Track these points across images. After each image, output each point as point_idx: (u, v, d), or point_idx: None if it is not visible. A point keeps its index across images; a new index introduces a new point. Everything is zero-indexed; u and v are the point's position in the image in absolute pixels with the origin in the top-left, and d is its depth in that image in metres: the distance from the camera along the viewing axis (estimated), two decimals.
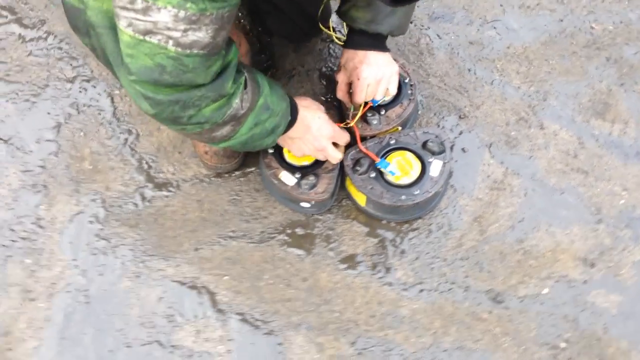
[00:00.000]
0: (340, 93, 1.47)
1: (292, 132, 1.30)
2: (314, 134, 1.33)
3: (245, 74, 1.15)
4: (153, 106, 1.06)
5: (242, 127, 1.17)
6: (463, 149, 1.55)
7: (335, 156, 1.38)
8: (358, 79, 1.39)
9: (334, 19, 1.63)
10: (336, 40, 1.63)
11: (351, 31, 1.40)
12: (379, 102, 1.46)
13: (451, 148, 1.53)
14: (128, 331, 1.38)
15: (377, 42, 1.39)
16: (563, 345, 1.37)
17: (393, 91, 1.46)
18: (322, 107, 1.38)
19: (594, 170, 1.53)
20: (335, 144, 1.39)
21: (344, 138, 1.41)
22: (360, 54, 1.39)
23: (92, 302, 1.40)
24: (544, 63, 1.66)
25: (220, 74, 1.08)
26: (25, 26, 1.67)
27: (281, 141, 1.34)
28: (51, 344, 1.37)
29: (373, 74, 1.39)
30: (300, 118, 1.30)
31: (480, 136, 1.57)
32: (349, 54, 1.41)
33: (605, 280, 1.42)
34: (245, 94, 1.14)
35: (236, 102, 1.12)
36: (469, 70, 1.65)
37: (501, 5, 1.74)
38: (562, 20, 1.71)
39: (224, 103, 1.11)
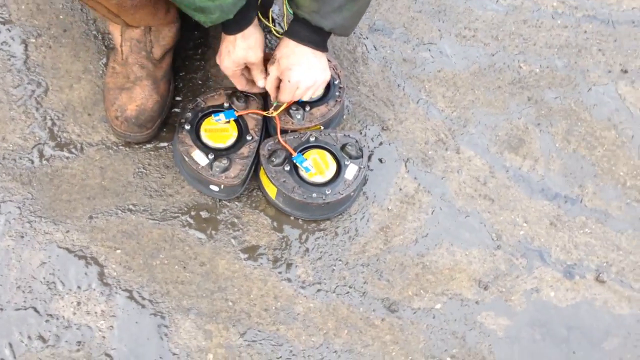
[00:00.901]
0: (269, 85, 1.49)
1: (225, 38, 1.36)
2: (223, 52, 1.39)
3: None
4: None
5: None
6: (380, 160, 1.63)
7: (232, 79, 1.43)
8: (288, 81, 1.41)
9: (274, 10, 1.68)
10: (274, 33, 1.67)
11: (294, 20, 1.41)
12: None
13: (369, 157, 1.61)
14: (2, 293, 1.33)
15: (317, 37, 1.39)
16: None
17: (317, 95, 1.51)
18: (258, 36, 1.39)
19: (500, 199, 1.65)
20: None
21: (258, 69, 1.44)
22: (298, 52, 1.40)
23: None
24: (470, 92, 1.78)
25: None
26: None
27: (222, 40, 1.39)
28: None
29: (304, 80, 1.41)
30: (239, 34, 1.34)
31: (399, 150, 1.65)
32: (286, 49, 1.42)
33: (496, 303, 1.53)
34: None
35: None
36: (399, 85, 1.74)
37: (439, 30, 1.85)
38: (493, 55, 1.84)
39: None
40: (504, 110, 1.77)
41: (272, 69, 1.47)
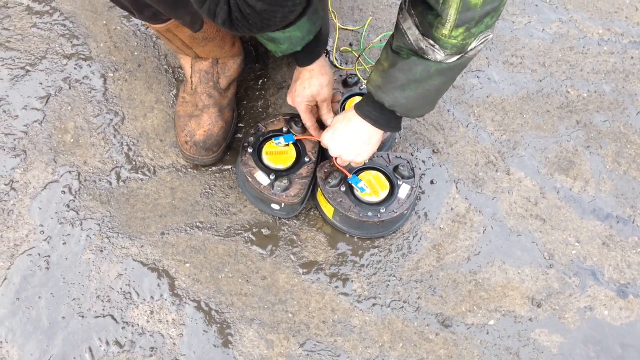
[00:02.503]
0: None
1: (296, 71, 1.55)
2: (298, 88, 1.56)
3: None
4: None
5: None
6: (432, 181, 1.76)
7: (302, 115, 1.58)
8: (329, 149, 1.52)
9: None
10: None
11: (366, 94, 1.45)
12: None
13: (421, 178, 1.74)
14: (83, 302, 1.51)
15: (378, 114, 1.42)
16: None
17: (354, 164, 1.57)
18: (327, 77, 1.55)
19: (551, 219, 1.74)
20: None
21: (308, 117, 1.59)
22: (351, 124, 1.45)
23: (52, 268, 1.53)
24: (519, 116, 1.90)
25: None
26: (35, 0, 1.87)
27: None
28: (6, 302, 1.49)
29: (343, 153, 1.49)
30: (307, 67, 1.52)
31: (450, 172, 1.78)
32: (344, 115, 1.49)
33: (550, 321, 1.61)
34: None
35: None
36: (449, 110, 1.87)
37: (487, 58, 1.99)
38: (541, 81, 1.97)
39: None
40: (553, 134, 1.88)
41: (330, 121, 1.59)
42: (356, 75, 1.76)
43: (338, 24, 1.89)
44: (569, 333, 1.61)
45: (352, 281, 1.61)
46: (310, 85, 1.56)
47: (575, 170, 1.83)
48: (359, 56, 1.86)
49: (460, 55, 1.26)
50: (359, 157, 1.50)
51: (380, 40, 1.90)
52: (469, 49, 1.24)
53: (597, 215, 1.75)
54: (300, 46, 1.48)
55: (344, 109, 1.69)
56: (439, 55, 1.25)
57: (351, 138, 1.47)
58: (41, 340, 1.49)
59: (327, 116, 1.61)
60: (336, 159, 1.58)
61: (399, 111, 1.40)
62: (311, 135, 1.65)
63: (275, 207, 1.62)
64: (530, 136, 1.86)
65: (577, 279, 1.67)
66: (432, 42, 1.23)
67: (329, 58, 1.87)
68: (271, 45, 1.48)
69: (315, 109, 1.62)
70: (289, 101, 1.61)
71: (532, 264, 1.68)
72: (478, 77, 1.95)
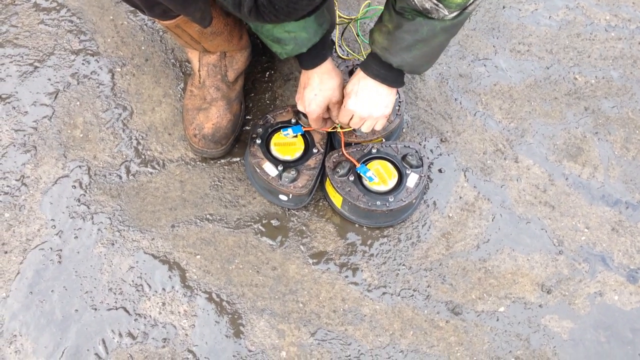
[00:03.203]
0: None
1: (302, 76, 1.54)
2: (308, 95, 1.54)
3: None
4: None
5: None
6: (440, 170, 1.76)
7: (313, 120, 1.58)
8: (344, 107, 1.55)
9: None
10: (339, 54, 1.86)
11: (369, 53, 1.51)
12: None
13: (429, 167, 1.75)
14: (96, 294, 1.53)
15: (386, 72, 1.48)
16: None
17: (378, 129, 1.60)
18: (336, 79, 1.55)
19: (560, 205, 1.75)
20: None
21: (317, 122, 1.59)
22: (363, 84, 1.50)
23: (64, 262, 1.56)
24: (526, 103, 1.90)
25: None
26: None
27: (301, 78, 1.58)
28: (19, 296, 1.52)
29: (358, 110, 1.51)
30: (312, 70, 1.51)
31: (457, 160, 1.79)
32: (356, 78, 1.52)
33: (560, 306, 1.62)
34: None
35: None
36: (456, 99, 1.88)
37: (494, 46, 1.99)
38: (548, 68, 1.97)
39: None
40: (561, 120, 1.88)
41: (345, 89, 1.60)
42: None
43: (337, 12, 1.90)
44: (579, 318, 1.62)
45: (362, 270, 1.62)
46: (321, 90, 1.55)
47: (583, 157, 1.83)
48: (350, 22, 1.86)
49: (460, 11, 1.33)
50: (386, 110, 1.53)
51: (367, 12, 1.91)
52: (468, 4, 1.32)
53: (606, 200, 1.76)
54: (305, 47, 1.47)
55: None
56: (442, 13, 1.31)
57: (373, 95, 1.50)
58: (55, 333, 1.51)
59: (336, 117, 1.62)
60: (345, 146, 1.60)
61: (406, 69, 1.47)
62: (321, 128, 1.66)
63: (283, 197, 1.64)
64: (538, 123, 1.87)
65: (586, 265, 1.68)
66: (436, 1, 1.29)
67: (334, 48, 1.88)
68: (276, 46, 1.48)
69: (326, 113, 1.62)
70: (300, 107, 1.60)
71: (542, 251, 1.69)
72: (485, 65, 1.95)
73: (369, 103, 1.51)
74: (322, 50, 1.51)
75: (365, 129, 1.56)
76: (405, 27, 1.37)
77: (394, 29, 1.39)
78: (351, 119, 1.56)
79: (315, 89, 1.54)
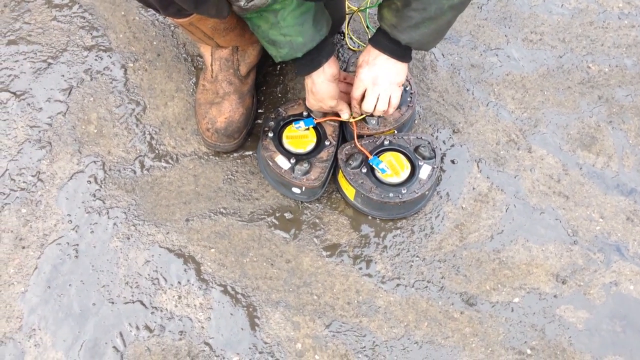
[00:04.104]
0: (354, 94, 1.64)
1: (307, 79, 1.55)
2: (314, 92, 1.56)
3: None
4: None
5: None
6: (453, 161, 1.77)
7: (342, 110, 1.61)
8: (359, 78, 1.56)
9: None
10: (349, 47, 1.86)
11: (378, 28, 1.53)
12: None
13: (442, 158, 1.75)
14: (113, 288, 1.55)
15: (395, 47, 1.50)
16: (529, 351, 1.55)
17: (394, 102, 1.60)
18: (329, 90, 1.56)
19: (574, 195, 1.74)
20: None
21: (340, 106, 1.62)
22: (374, 56, 1.54)
23: (81, 256, 1.58)
24: (539, 93, 1.89)
25: None
26: None
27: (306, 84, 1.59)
28: (37, 291, 1.54)
29: (372, 78, 1.54)
30: (309, 76, 1.52)
31: (470, 151, 1.79)
32: (367, 52, 1.56)
33: (575, 297, 1.62)
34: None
35: None
36: (468, 90, 1.88)
37: (506, 36, 1.98)
38: (561, 57, 1.96)
39: None
40: (574, 110, 1.87)
41: (346, 114, 1.64)
42: None
43: (347, 3, 1.90)
44: (595, 308, 1.62)
45: (376, 262, 1.63)
46: (310, 99, 1.59)
47: (597, 146, 1.82)
48: (358, 10, 1.87)
49: None
50: (398, 77, 1.54)
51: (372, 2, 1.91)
52: None
53: (621, 190, 1.75)
54: (301, 52, 1.47)
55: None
56: None
57: (385, 64, 1.52)
58: (73, 327, 1.54)
59: (342, 113, 1.63)
60: (357, 138, 1.60)
61: (414, 46, 1.50)
62: (331, 118, 1.66)
63: (296, 190, 1.64)
64: (551, 113, 1.86)
65: (601, 255, 1.68)
66: None
67: (343, 39, 1.88)
68: (271, 48, 1.48)
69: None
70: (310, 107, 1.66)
71: (556, 241, 1.69)
72: (497, 54, 1.95)
73: (382, 71, 1.53)
74: (317, 56, 1.50)
75: (382, 104, 1.56)
76: (414, 5, 1.39)
77: (403, 6, 1.41)
78: (363, 96, 1.56)
79: (309, 94, 1.58)
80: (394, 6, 1.43)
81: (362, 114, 1.63)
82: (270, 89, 1.82)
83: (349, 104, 1.63)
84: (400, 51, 1.51)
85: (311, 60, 1.49)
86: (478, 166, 1.77)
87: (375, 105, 1.56)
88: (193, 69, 1.82)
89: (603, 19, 1.97)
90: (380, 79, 1.53)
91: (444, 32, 1.50)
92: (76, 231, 1.61)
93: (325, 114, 1.66)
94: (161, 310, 1.55)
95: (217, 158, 1.72)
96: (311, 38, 1.45)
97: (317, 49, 1.48)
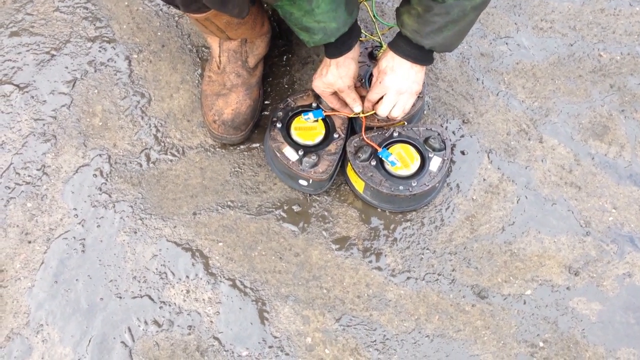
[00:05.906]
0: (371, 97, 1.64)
1: (323, 61, 1.54)
2: (317, 73, 1.56)
3: None
4: None
5: None
6: (463, 152, 1.75)
7: (356, 102, 1.59)
8: (380, 82, 1.55)
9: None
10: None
11: (398, 34, 1.52)
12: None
13: (452, 149, 1.73)
14: (120, 283, 1.55)
15: (417, 52, 1.50)
16: (541, 344, 1.54)
17: (407, 109, 1.59)
18: (347, 70, 1.54)
19: (587, 186, 1.73)
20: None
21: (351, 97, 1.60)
22: (397, 62, 1.52)
23: (88, 251, 1.57)
24: (550, 82, 1.88)
25: None
26: None
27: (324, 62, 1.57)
28: (44, 286, 1.54)
29: (394, 85, 1.53)
30: (337, 59, 1.50)
31: (480, 142, 1.77)
32: (388, 57, 1.55)
33: (588, 288, 1.61)
34: None
35: None
36: (477, 79, 1.86)
37: (515, 24, 1.96)
38: (572, 45, 1.94)
39: None
40: (586, 99, 1.85)
41: (374, 71, 1.60)
42: (381, 45, 1.75)
43: None
44: (608, 300, 1.61)
45: (386, 255, 1.62)
46: (327, 72, 1.55)
47: (609, 135, 1.81)
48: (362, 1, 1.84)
49: None
50: (417, 86, 1.54)
51: None
52: None
53: (634, 180, 1.74)
54: (334, 37, 1.46)
55: (369, 80, 1.69)
56: None
57: (408, 72, 1.52)
58: (81, 322, 1.53)
59: (352, 103, 1.61)
60: (366, 131, 1.59)
61: (438, 50, 1.49)
62: (341, 113, 1.65)
63: (303, 183, 1.63)
64: (562, 102, 1.84)
65: (614, 246, 1.66)
66: None
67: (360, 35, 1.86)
68: (304, 34, 1.46)
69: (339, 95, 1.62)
70: (314, 87, 1.62)
71: (568, 232, 1.67)
72: (507, 43, 1.93)
73: (405, 79, 1.53)
74: (348, 39, 1.49)
75: (398, 111, 1.56)
76: (436, 10, 1.37)
77: (424, 11, 1.39)
78: (380, 101, 1.55)
79: (323, 70, 1.56)
80: (414, 12, 1.42)
81: (372, 111, 1.62)
82: (276, 79, 1.80)
83: None
84: (423, 56, 1.51)
85: (342, 43, 1.49)
86: (488, 157, 1.75)
87: (390, 109, 1.57)
88: (198, 60, 1.80)
89: (614, 6, 1.95)
90: (403, 89, 1.54)
91: (466, 32, 1.50)
92: (82, 225, 1.60)
93: (332, 109, 1.65)
94: (169, 305, 1.54)
95: (223, 150, 1.71)
96: (344, 22, 1.44)
97: (349, 32, 1.48)
